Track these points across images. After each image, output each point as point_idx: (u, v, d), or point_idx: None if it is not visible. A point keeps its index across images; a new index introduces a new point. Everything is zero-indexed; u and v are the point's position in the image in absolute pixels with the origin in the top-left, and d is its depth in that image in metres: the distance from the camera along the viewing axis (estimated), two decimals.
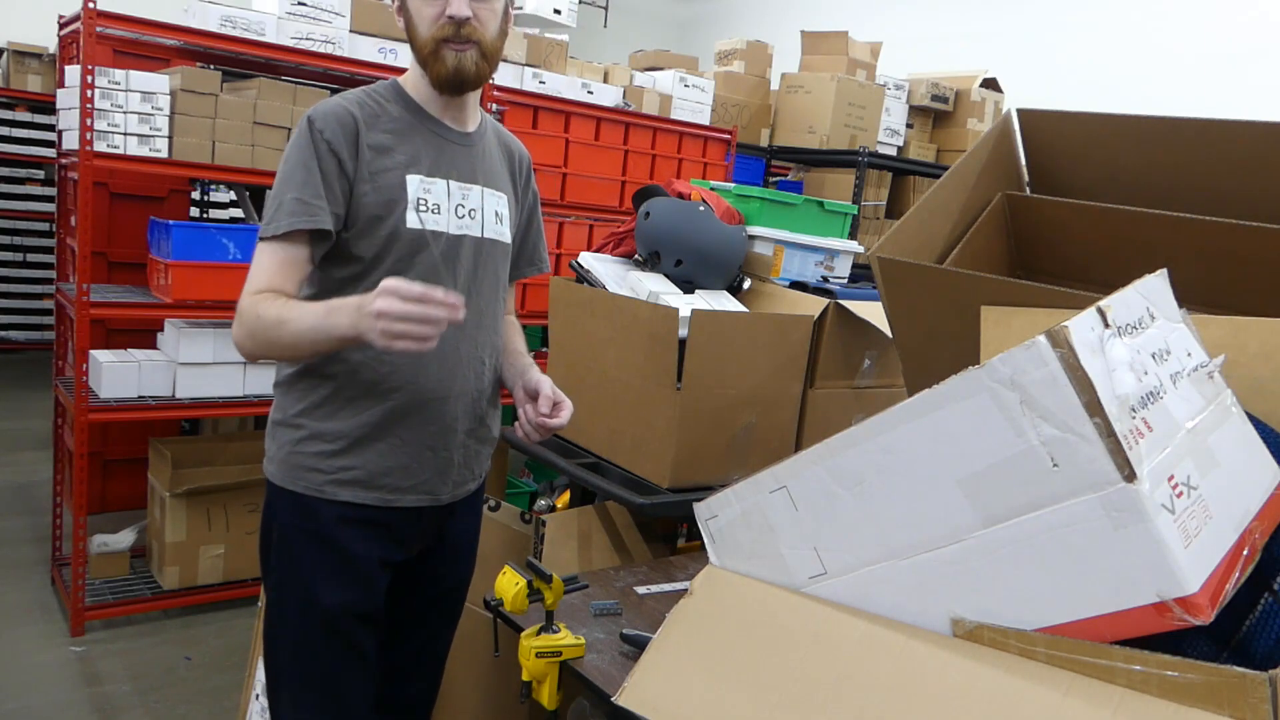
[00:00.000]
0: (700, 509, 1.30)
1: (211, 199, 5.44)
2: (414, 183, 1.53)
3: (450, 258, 1.57)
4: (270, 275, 1.46)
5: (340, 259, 1.53)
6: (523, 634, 1.48)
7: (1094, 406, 0.93)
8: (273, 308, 1.41)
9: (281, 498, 1.57)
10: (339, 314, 1.35)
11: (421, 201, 1.53)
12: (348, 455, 1.54)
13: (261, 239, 1.48)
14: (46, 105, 6.48)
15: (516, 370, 1.72)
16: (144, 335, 3.47)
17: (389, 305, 1.26)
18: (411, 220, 1.52)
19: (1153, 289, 1.18)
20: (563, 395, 1.63)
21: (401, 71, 1.64)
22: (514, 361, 1.75)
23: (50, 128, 6.46)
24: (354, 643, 1.58)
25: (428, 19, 1.51)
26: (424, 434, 1.58)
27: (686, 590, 1.28)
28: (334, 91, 2.56)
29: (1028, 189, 1.83)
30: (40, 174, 6.79)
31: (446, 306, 1.27)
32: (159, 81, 3.03)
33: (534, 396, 1.63)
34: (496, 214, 1.65)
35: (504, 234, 1.68)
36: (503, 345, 1.74)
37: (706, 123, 4.67)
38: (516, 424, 1.66)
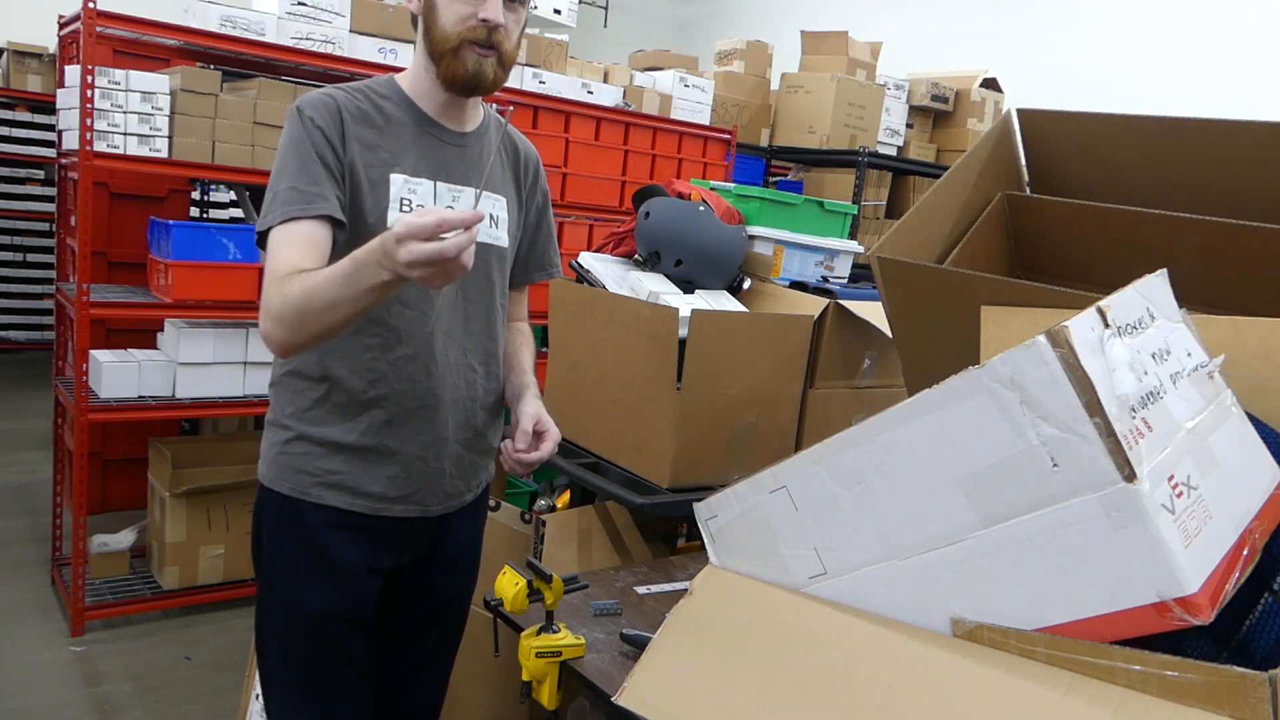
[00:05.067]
0: (700, 509, 1.30)
1: (211, 199, 5.44)
2: (398, 181, 1.49)
3: None
4: (290, 259, 1.38)
5: None
6: (523, 634, 1.48)
7: (1094, 406, 0.93)
8: (296, 282, 1.33)
9: (270, 499, 1.55)
10: (365, 268, 1.25)
11: (405, 201, 1.49)
12: (335, 459, 1.52)
13: (263, 231, 1.43)
14: (46, 105, 6.48)
15: (514, 391, 1.66)
16: (144, 335, 3.47)
17: (411, 255, 1.15)
18: (394, 220, 1.44)
19: (1153, 289, 1.18)
20: (549, 424, 1.55)
21: (400, 71, 1.61)
22: (515, 380, 1.68)
23: (50, 128, 6.46)
24: (340, 647, 1.56)
25: (457, 16, 1.45)
26: (414, 444, 1.54)
27: (686, 590, 1.28)
28: None
29: (1028, 189, 1.83)
30: (40, 174, 6.79)
31: (466, 223, 1.16)
32: (159, 81, 3.03)
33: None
34: (492, 217, 1.60)
35: (499, 238, 1.63)
36: (508, 355, 1.69)
37: (706, 123, 4.67)
38: (501, 455, 1.59)
